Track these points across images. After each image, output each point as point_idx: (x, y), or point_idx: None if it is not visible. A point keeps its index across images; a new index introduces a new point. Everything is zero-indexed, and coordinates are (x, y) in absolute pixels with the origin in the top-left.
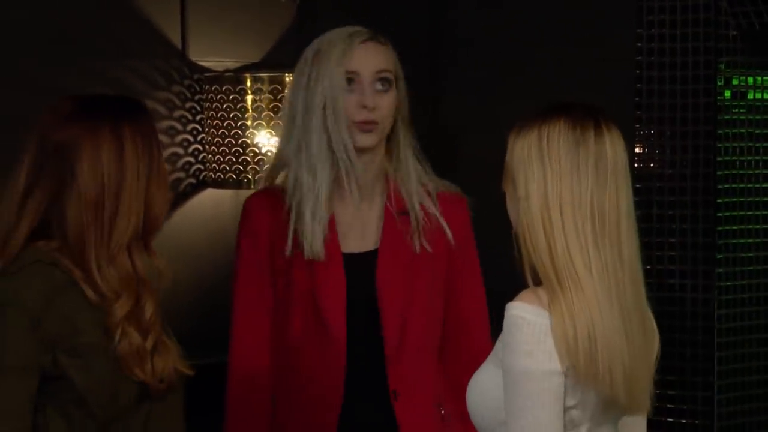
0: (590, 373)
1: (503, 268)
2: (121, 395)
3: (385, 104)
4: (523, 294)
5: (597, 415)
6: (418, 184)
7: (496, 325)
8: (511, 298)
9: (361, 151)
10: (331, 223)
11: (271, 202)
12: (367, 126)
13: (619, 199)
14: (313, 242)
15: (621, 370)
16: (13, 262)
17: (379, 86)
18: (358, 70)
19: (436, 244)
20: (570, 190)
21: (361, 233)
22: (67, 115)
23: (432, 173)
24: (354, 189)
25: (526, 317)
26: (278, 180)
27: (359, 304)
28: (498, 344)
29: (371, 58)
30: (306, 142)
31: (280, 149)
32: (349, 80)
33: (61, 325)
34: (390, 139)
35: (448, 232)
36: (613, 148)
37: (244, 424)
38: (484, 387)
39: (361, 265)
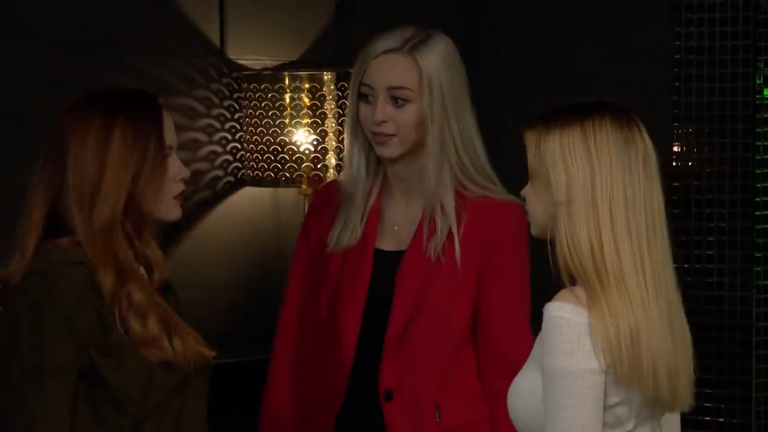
0: (633, 373)
1: (546, 269)
2: (153, 392)
3: (402, 119)
4: (561, 294)
5: (642, 412)
6: (443, 191)
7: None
8: (554, 294)
9: (389, 160)
10: (373, 219)
11: (329, 195)
12: (379, 138)
13: (661, 198)
14: (341, 237)
15: (665, 370)
16: (39, 261)
17: (394, 101)
18: (371, 84)
19: (465, 254)
20: (622, 189)
21: (401, 232)
22: (68, 108)
23: (482, 181)
24: (396, 189)
25: (566, 317)
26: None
27: (378, 301)
28: (536, 347)
29: (384, 74)
30: (347, 142)
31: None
32: (367, 92)
33: (93, 323)
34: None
35: (457, 242)
36: (652, 146)
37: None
38: (526, 391)
39: (389, 264)
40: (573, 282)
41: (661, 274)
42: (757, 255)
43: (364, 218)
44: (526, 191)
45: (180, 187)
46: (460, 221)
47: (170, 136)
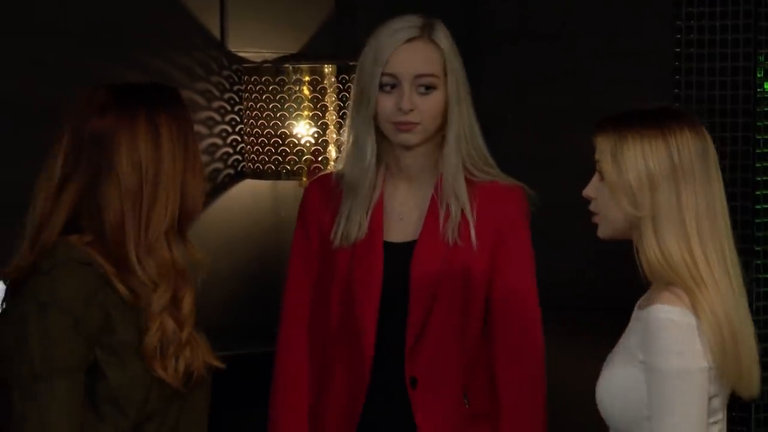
0: (737, 369)
1: (547, 258)
2: (154, 395)
3: (427, 107)
4: (664, 296)
5: (725, 402)
6: (457, 177)
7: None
8: (554, 288)
9: (404, 148)
10: (378, 211)
11: (325, 188)
12: (405, 127)
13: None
14: (348, 231)
15: (754, 363)
16: (46, 259)
17: (420, 89)
18: (397, 73)
19: (479, 238)
20: (704, 199)
21: (407, 222)
22: (102, 105)
23: (486, 165)
24: (402, 179)
25: (674, 319)
26: (340, 166)
27: (393, 294)
28: (629, 342)
29: (411, 62)
30: (353, 134)
31: (345, 135)
32: (389, 82)
33: (99, 323)
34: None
35: (472, 225)
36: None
37: (290, 397)
38: (622, 385)
39: (400, 256)
40: (656, 280)
41: (739, 272)
42: (757, 248)
43: (370, 210)
44: (595, 193)
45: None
46: (471, 206)
47: None
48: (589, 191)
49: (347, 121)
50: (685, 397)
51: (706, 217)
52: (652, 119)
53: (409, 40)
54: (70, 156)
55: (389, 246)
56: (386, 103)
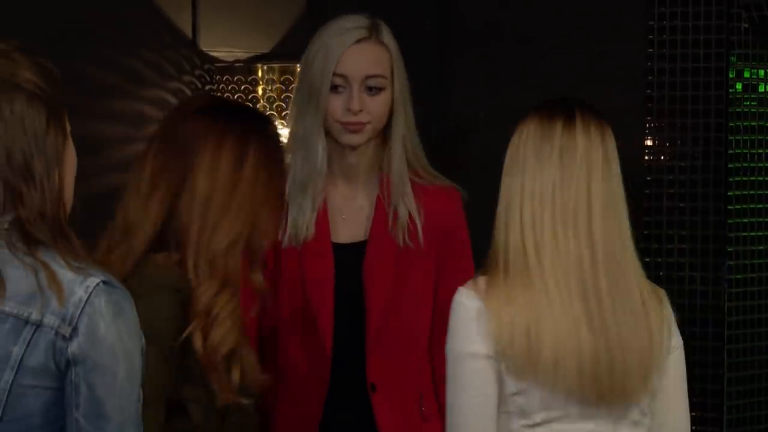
0: (529, 365)
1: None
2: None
3: (375, 106)
4: (468, 281)
5: (558, 406)
6: (403, 178)
7: None
8: None
9: (350, 147)
10: (323, 213)
11: None
12: (353, 127)
13: (591, 190)
14: (297, 231)
15: (575, 364)
16: (138, 281)
17: (368, 90)
18: (347, 74)
19: (426, 240)
20: (532, 183)
21: (353, 224)
22: (198, 109)
23: (426, 167)
24: (343, 179)
25: (462, 301)
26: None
27: (346, 295)
28: None
29: (361, 63)
30: (301, 132)
31: (288, 135)
32: (339, 83)
33: (187, 353)
34: (385, 132)
35: (419, 227)
36: (586, 139)
37: None
38: None
39: (349, 256)
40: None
41: (573, 267)
42: (729, 249)
43: (315, 211)
44: None
45: None
46: (418, 207)
47: None
48: None
49: (291, 121)
50: (457, 381)
51: (530, 204)
52: (535, 110)
53: (359, 41)
54: (160, 159)
55: (338, 247)
56: (335, 104)
